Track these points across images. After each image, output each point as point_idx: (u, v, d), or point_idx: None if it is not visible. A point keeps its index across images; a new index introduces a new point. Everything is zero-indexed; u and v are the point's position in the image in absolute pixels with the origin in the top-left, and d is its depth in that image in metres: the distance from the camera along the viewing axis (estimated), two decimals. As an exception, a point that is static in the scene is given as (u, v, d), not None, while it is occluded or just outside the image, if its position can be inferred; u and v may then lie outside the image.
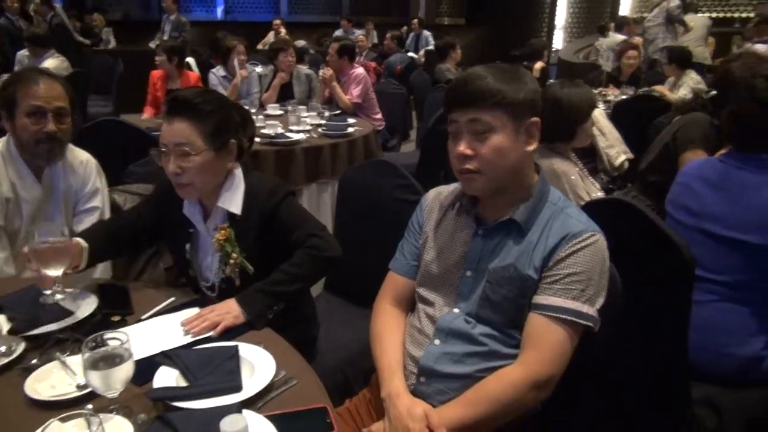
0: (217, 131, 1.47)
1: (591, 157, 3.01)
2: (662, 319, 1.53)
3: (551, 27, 10.65)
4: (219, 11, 11.89)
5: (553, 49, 10.04)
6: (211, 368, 1.16)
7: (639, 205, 1.52)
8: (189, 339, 1.32)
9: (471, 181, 1.20)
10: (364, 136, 3.69)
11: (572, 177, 2.15)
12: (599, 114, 3.04)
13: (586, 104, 2.10)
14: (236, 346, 1.24)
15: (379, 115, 4.56)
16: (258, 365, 1.18)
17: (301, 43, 8.49)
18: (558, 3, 10.48)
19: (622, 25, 7.36)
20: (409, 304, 1.38)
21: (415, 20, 9.97)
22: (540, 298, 1.17)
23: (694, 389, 1.59)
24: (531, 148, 1.22)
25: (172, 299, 1.50)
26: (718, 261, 1.59)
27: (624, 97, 4.89)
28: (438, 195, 1.38)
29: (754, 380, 1.61)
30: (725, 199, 1.60)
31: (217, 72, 4.67)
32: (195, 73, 4.87)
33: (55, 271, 1.38)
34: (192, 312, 1.41)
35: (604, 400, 1.54)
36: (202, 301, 1.50)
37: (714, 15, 8.14)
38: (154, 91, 4.46)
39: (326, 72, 4.30)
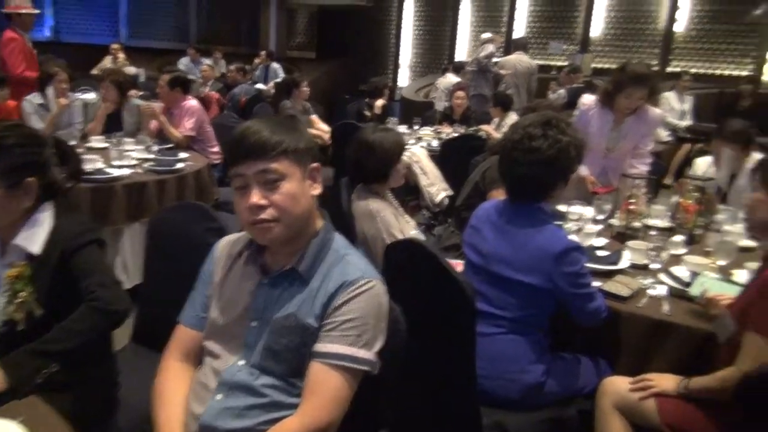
0: (11, 169, 1.42)
1: (414, 195, 3.19)
2: (452, 352, 1.65)
3: (397, 65, 11.20)
4: (46, 30, 10.94)
5: (400, 87, 10.56)
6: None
7: (429, 247, 1.63)
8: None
9: (267, 230, 1.20)
10: (196, 171, 3.57)
11: (386, 217, 2.25)
12: (422, 154, 3.24)
13: (396, 147, 2.22)
14: (-14, 421, 1.11)
15: (217, 149, 4.45)
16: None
17: (132, 70, 8.09)
18: (402, 43, 11.07)
19: (459, 68, 7.95)
20: (198, 359, 1.34)
21: (263, 52, 9.95)
22: (319, 346, 1.19)
23: (485, 415, 1.72)
24: (316, 192, 1.27)
25: None
26: (503, 298, 1.75)
27: (455, 135, 5.27)
28: (228, 243, 1.37)
29: (536, 404, 1.78)
30: (507, 243, 1.76)
31: (33, 99, 4.27)
32: (12, 101, 4.43)
33: None
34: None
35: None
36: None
37: (536, 62, 9.09)
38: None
39: (148, 107, 4.15)
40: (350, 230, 2.25)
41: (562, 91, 6.98)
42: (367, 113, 6.50)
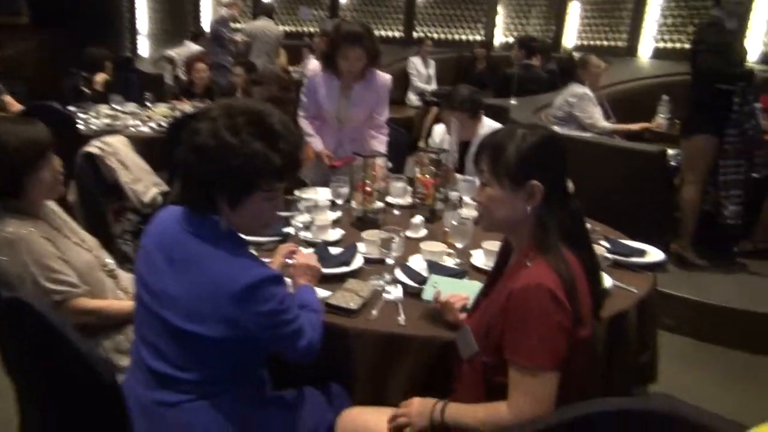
0: None
1: (117, 195, 2.52)
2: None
3: (134, 33, 9.81)
4: None
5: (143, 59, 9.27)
6: None
7: (37, 306, 1.06)
8: None
9: None
10: None
11: (34, 243, 1.59)
12: (120, 143, 2.57)
13: (26, 146, 1.56)
14: None
15: None
16: None
17: None
18: (137, 7, 9.69)
19: (198, 36, 7.11)
20: None
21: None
22: None
23: None
24: None
25: None
26: (182, 355, 1.25)
27: (191, 110, 4.57)
28: None
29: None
30: (178, 275, 1.25)
31: None
32: None
33: None
34: None
35: None
36: None
37: (287, 28, 8.66)
38: None
39: None
40: None
41: (312, 57, 6.66)
42: (86, 90, 5.42)
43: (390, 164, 2.70)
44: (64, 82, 5.72)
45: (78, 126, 4.29)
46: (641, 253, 2.03)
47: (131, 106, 4.97)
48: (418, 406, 1.35)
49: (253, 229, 1.36)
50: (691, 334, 2.97)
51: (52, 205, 1.80)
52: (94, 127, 4.32)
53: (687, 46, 5.29)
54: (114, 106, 4.96)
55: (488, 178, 1.31)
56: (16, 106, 4.55)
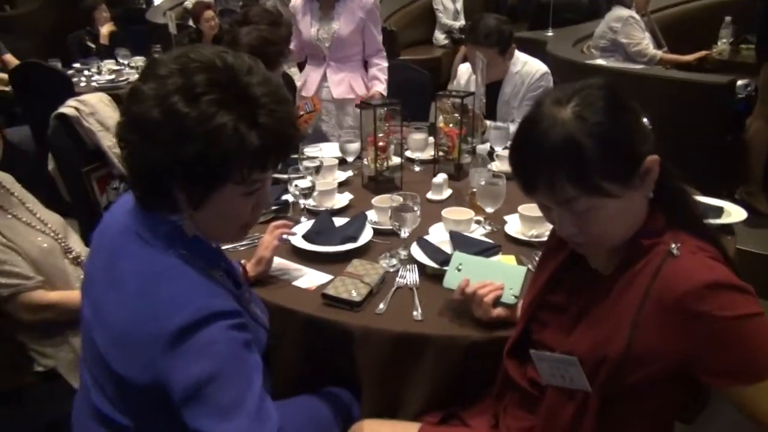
0: None
1: (101, 161, 2.22)
2: None
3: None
4: None
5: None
6: None
7: None
8: None
9: None
10: None
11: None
12: (100, 102, 2.25)
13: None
14: None
15: None
16: None
17: None
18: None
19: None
20: None
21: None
22: None
23: None
24: None
25: None
26: (117, 392, 0.92)
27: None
28: None
29: None
30: (112, 291, 0.91)
31: None
32: None
33: None
34: None
35: None
36: None
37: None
38: None
39: None
40: None
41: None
42: (91, 45, 5.13)
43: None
44: (69, 37, 5.43)
45: (80, 84, 4.06)
46: (718, 212, 1.64)
47: (138, 60, 4.68)
48: None
49: (228, 234, 0.99)
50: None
51: (5, 180, 1.52)
52: (95, 85, 4.06)
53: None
54: (120, 60, 4.68)
55: (587, 202, 0.86)
56: (14, 64, 4.30)
